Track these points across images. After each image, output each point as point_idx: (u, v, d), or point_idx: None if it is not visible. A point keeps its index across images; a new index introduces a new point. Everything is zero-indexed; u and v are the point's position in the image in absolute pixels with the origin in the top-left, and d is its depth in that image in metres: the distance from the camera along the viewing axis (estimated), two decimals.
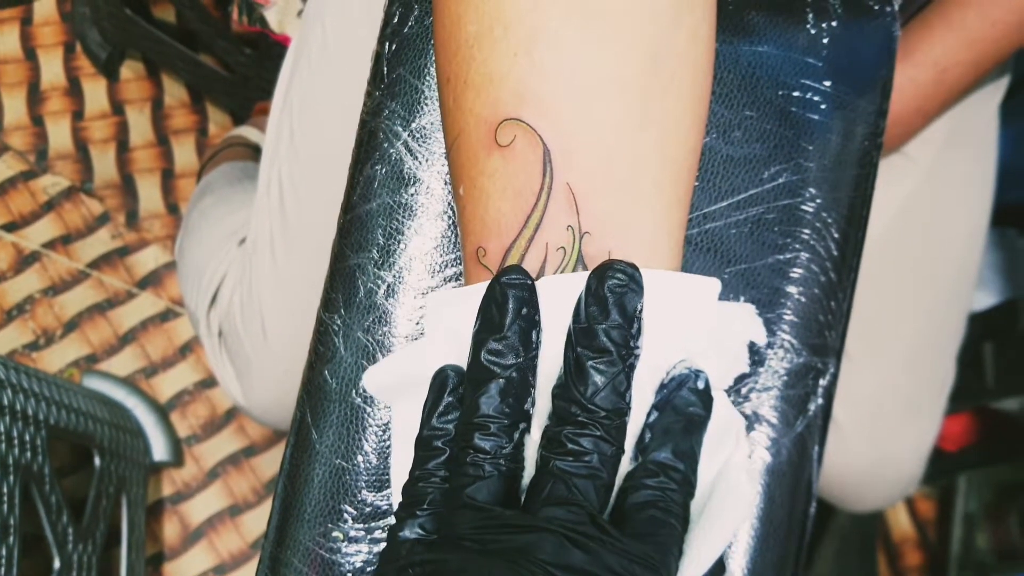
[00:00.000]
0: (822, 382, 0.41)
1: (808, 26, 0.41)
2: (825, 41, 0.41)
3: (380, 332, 0.39)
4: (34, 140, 1.32)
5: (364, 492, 0.39)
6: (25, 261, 1.26)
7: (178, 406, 1.23)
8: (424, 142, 0.40)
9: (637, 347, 0.31)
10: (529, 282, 0.31)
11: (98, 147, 1.33)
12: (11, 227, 1.27)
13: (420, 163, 0.40)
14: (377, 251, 0.40)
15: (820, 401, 0.41)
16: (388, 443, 0.39)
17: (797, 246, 0.41)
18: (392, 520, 0.37)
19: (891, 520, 1.30)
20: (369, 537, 0.38)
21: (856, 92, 0.42)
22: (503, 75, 0.31)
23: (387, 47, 0.41)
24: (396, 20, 0.41)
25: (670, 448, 0.31)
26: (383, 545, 0.38)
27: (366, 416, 0.39)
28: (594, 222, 0.31)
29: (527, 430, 0.32)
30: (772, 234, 0.41)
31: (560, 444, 0.30)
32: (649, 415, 0.32)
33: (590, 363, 0.30)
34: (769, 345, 0.41)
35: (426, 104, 0.40)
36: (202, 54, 1.22)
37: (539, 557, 0.27)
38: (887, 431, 0.77)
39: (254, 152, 1.09)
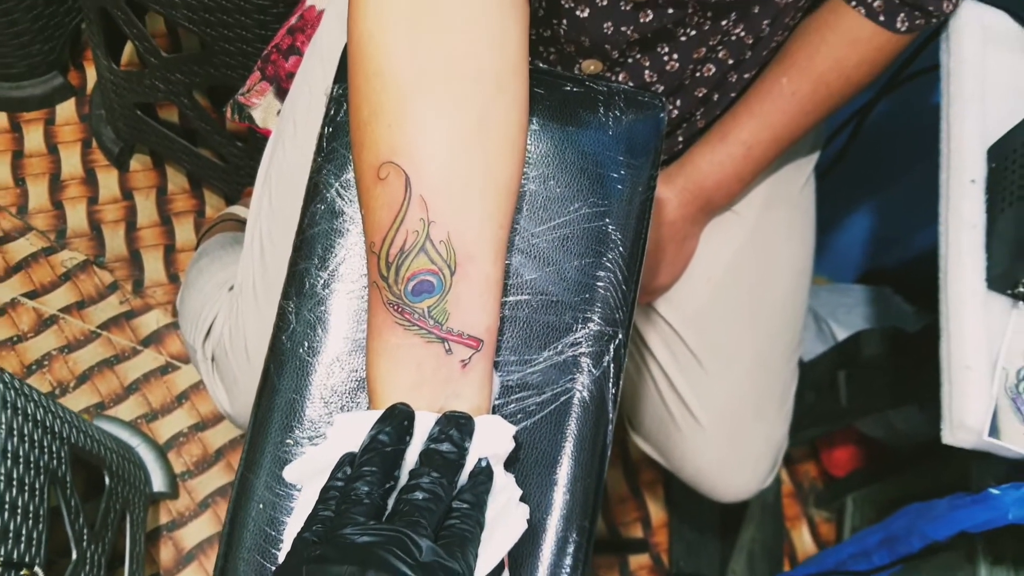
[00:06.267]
0: (613, 344, 0.62)
1: (600, 114, 0.64)
2: (611, 123, 0.64)
3: (319, 311, 0.60)
4: (54, 221, 1.55)
5: (307, 412, 0.59)
6: (44, 324, 1.47)
7: (175, 446, 1.43)
8: (348, 189, 0.61)
9: (465, 456, 0.52)
10: (411, 410, 0.52)
11: (110, 227, 1.55)
12: (33, 295, 1.48)
13: (346, 203, 0.61)
14: (317, 259, 0.61)
15: (611, 356, 0.62)
16: (323, 381, 0.59)
17: (597, 254, 0.62)
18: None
19: (796, 541, 1.49)
20: (309, 443, 0.59)
21: (635, 156, 0.64)
22: (383, 138, 0.53)
23: (326, 129, 0.63)
24: (332, 112, 0.63)
25: (469, 498, 0.51)
26: (317, 444, 0.58)
27: (308, 366, 0.60)
28: (438, 215, 0.52)
29: (394, 488, 0.51)
30: (578, 246, 0.62)
31: (414, 490, 0.49)
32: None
33: (439, 456, 0.51)
34: (577, 319, 0.62)
35: (350, 165, 0.62)
36: (201, 147, 1.44)
37: (392, 548, 0.45)
38: (741, 430, 0.97)
39: (242, 225, 1.31)
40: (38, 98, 1.59)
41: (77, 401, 1.44)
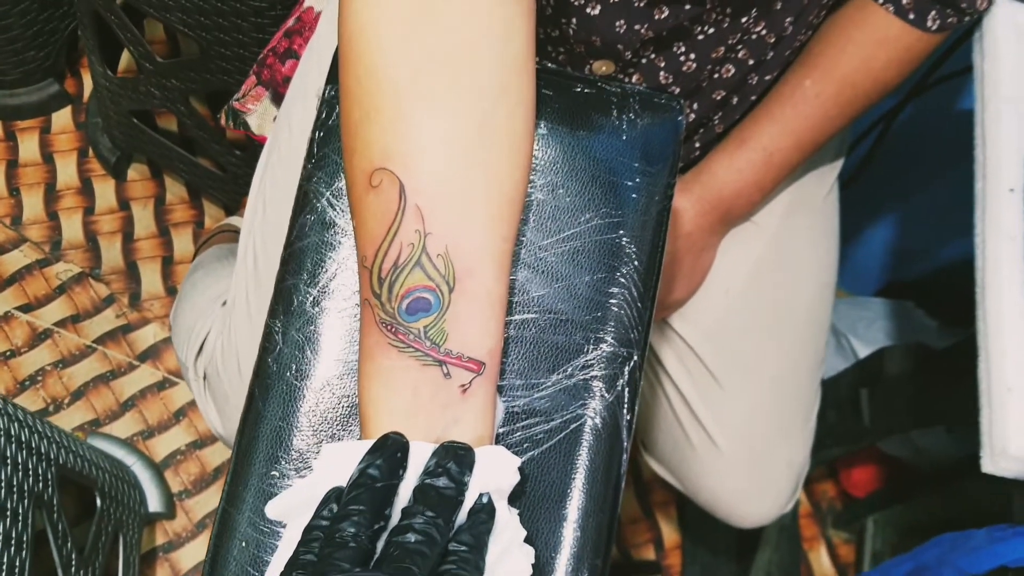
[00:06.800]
0: (627, 367, 0.57)
1: (613, 117, 0.59)
2: (625, 127, 0.59)
3: (307, 331, 0.56)
4: (49, 233, 1.50)
5: (295, 441, 0.54)
6: (38, 338, 1.43)
7: (172, 464, 1.38)
8: (340, 199, 0.57)
9: (464, 492, 0.47)
10: (406, 440, 0.47)
11: (106, 238, 1.51)
12: (27, 308, 1.44)
13: (337, 213, 0.57)
14: (306, 274, 0.56)
15: (625, 379, 0.57)
16: (312, 408, 0.55)
17: (611, 269, 0.57)
18: None
19: (813, 563, 1.44)
20: (296, 475, 0.54)
21: (651, 163, 0.59)
22: (375, 142, 0.48)
23: (317, 134, 0.58)
24: (323, 116, 0.59)
25: (468, 540, 0.46)
26: (305, 476, 0.53)
27: (296, 390, 0.55)
28: (436, 227, 0.47)
29: (384, 528, 0.46)
30: (589, 260, 0.57)
31: (406, 531, 0.44)
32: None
33: (435, 492, 0.46)
34: (588, 339, 0.57)
35: (342, 172, 0.57)
36: (199, 157, 1.40)
37: None
38: (761, 451, 0.92)
39: None
40: (33, 106, 1.56)
41: (71, 418, 1.39)
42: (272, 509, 0.51)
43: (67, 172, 1.55)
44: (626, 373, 0.57)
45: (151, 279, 1.50)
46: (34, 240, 1.49)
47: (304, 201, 0.58)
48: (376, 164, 0.48)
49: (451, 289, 0.48)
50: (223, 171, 1.37)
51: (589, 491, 0.56)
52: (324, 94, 0.59)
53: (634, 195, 0.58)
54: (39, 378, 1.41)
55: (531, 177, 0.58)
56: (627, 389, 0.57)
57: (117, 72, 1.37)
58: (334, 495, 0.47)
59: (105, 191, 1.55)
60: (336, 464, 0.49)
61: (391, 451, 0.47)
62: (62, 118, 1.59)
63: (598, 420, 0.56)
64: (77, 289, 1.47)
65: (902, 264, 1.43)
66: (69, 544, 1.01)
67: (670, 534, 1.45)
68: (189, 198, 1.56)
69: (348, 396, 0.55)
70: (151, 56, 1.21)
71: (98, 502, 1.12)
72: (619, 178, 0.58)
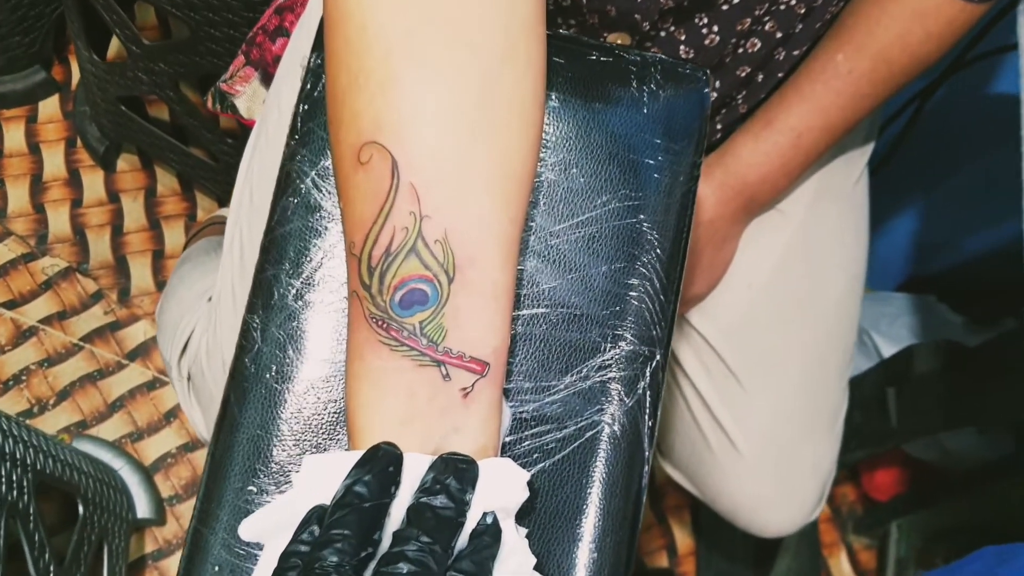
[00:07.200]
0: (649, 367, 0.51)
1: (632, 88, 0.53)
2: (646, 100, 0.53)
3: (289, 327, 0.49)
4: (35, 226, 1.45)
5: (275, 452, 0.48)
6: (23, 335, 1.37)
7: (162, 468, 1.32)
8: (327, 179, 0.51)
9: (466, 512, 0.41)
10: (399, 452, 0.42)
11: (94, 231, 1.46)
12: (11, 304, 1.38)
13: (323, 195, 0.51)
14: (289, 264, 0.50)
15: (647, 381, 0.51)
16: (295, 415, 0.49)
17: (630, 258, 0.51)
18: None
19: (833, 569, 1.38)
20: (276, 491, 0.48)
21: (674, 140, 0.53)
22: (364, 112, 0.42)
23: (301, 107, 0.52)
24: (308, 87, 0.52)
25: (470, 568, 0.40)
26: (285, 490, 0.47)
27: (277, 395, 0.49)
28: (433, 209, 0.41)
29: (372, 555, 0.40)
30: (607, 248, 0.51)
31: (397, 560, 0.38)
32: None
33: (431, 513, 0.40)
34: (606, 337, 0.51)
35: (329, 149, 0.51)
36: (191, 146, 1.34)
37: None
38: (786, 456, 0.86)
39: None
40: (19, 94, 1.50)
41: (56, 419, 1.33)
42: (247, 529, 0.45)
43: (54, 163, 1.50)
44: (647, 374, 0.51)
45: (141, 274, 1.44)
46: (19, 234, 1.44)
47: (287, 182, 0.52)
48: (365, 137, 0.42)
49: (450, 279, 0.42)
50: (215, 161, 1.31)
51: (607, 507, 0.50)
52: (309, 63, 0.53)
53: (656, 175, 0.52)
54: (23, 378, 1.35)
55: (541, 154, 0.52)
56: (648, 392, 0.51)
57: (106, 59, 1.31)
58: (316, 515, 0.41)
59: (93, 182, 1.49)
60: (319, 479, 0.43)
61: (382, 464, 0.41)
62: (49, 107, 1.53)
63: (616, 427, 0.50)
64: (64, 285, 1.41)
65: (925, 257, 1.37)
66: (47, 555, 0.95)
67: (684, 540, 1.39)
68: (181, 189, 1.50)
69: (335, 401, 0.49)
70: (138, 39, 1.15)
71: (80, 509, 1.06)
72: (639, 156, 0.52)
